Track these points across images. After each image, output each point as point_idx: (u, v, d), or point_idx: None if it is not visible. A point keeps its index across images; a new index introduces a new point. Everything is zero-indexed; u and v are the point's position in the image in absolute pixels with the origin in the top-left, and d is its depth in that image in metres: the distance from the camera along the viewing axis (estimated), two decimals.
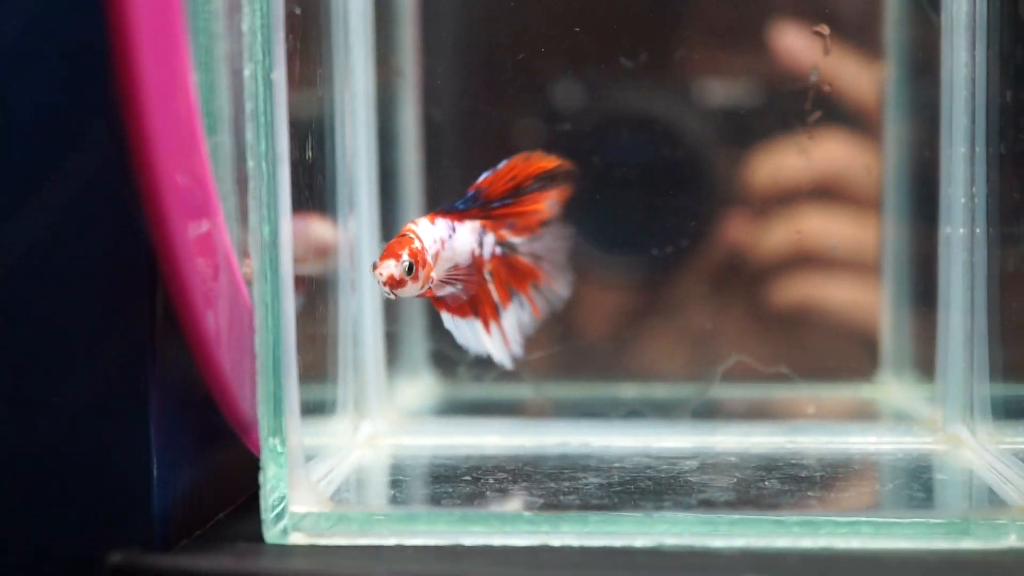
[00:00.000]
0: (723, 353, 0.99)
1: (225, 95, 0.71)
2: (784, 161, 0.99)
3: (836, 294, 1.02)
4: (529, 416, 1.00)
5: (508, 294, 0.83)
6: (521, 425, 0.94)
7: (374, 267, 0.75)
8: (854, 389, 1.02)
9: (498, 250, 0.83)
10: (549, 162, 0.81)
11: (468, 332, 0.82)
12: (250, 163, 0.68)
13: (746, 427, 0.92)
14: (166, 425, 0.68)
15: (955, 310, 0.88)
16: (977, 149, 0.85)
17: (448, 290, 0.79)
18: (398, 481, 0.84)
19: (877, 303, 1.02)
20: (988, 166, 0.84)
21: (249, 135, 0.68)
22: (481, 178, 0.81)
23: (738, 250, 1.01)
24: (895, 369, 1.02)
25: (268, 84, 0.68)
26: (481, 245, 0.81)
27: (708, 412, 0.97)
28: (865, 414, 1.01)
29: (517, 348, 0.84)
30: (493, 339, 0.82)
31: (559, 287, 0.87)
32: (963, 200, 0.87)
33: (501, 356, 0.83)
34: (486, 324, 0.82)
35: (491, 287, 0.83)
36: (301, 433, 0.71)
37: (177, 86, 0.64)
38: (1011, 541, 0.69)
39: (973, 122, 0.85)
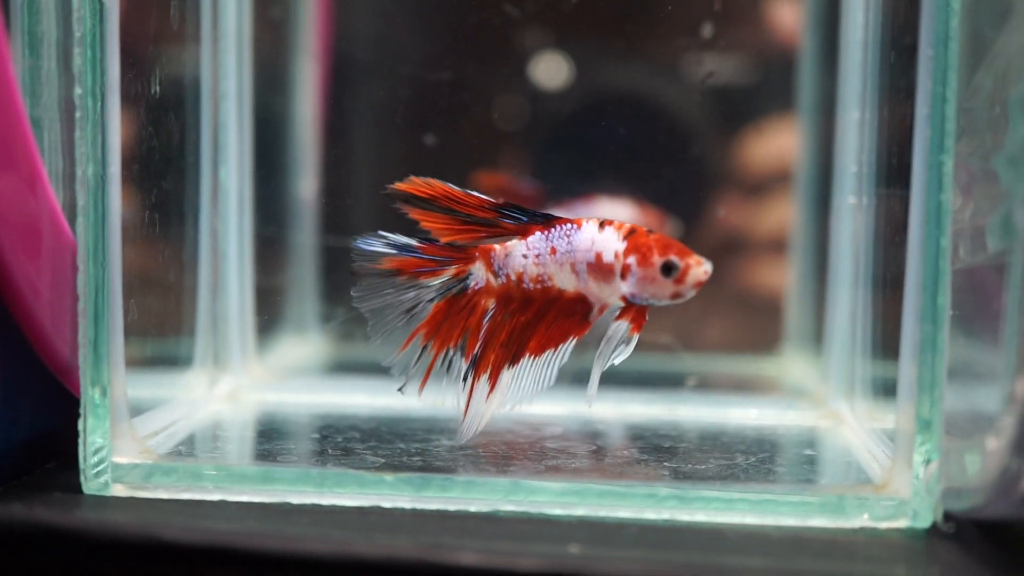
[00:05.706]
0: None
1: (52, 16, 0.66)
2: None
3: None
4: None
5: None
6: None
7: (684, 272, 0.67)
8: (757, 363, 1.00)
9: None
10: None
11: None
12: (77, 91, 0.65)
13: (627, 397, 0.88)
14: None
15: (842, 283, 0.85)
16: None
17: None
18: (245, 437, 0.80)
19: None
20: (877, 134, 0.81)
21: (77, 62, 0.64)
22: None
23: None
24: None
25: (98, 3, 0.63)
26: None
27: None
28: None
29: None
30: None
31: None
32: (854, 168, 0.84)
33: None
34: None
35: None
36: (125, 383, 0.67)
37: None
38: (863, 520, 0.66)
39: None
